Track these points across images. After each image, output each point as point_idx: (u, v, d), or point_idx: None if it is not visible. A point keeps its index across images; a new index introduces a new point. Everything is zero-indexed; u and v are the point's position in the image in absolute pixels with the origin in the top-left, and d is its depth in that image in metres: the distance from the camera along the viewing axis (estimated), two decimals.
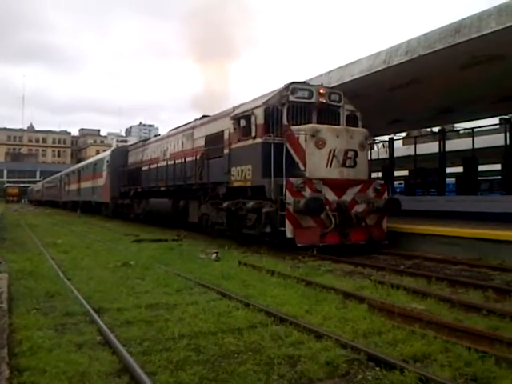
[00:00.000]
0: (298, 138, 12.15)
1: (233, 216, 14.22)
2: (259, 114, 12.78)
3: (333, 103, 13.26)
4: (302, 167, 12.06)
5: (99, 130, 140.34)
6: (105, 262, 10.00)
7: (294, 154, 12.31)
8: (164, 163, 20.73)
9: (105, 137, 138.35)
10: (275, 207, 12.06)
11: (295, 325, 5.25)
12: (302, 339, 4.83)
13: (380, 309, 5.90)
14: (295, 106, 12.92)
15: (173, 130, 21.86)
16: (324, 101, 12.99)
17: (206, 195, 16.13)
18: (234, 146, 14.16)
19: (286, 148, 12.32)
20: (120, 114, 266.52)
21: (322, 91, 12.99)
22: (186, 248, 12.87)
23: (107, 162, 27.95)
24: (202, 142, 17.43)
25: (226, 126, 15.21)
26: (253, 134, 12.95)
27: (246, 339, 4.85)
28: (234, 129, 14.08)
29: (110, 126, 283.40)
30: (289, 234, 11.54)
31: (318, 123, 12.64)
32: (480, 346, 4.53)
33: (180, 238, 15.20)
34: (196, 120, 18.93)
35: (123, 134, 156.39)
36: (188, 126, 19.34)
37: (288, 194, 11.61)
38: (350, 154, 12.07)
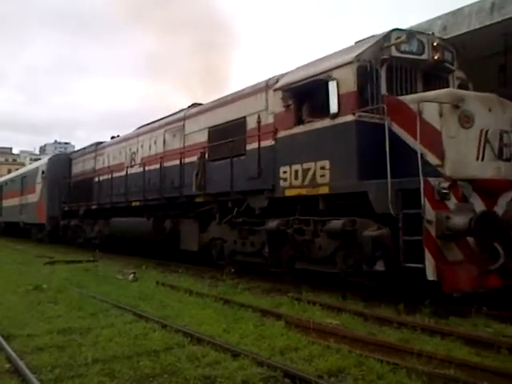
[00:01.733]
0: (419, 112, 7.28)
1: (281, 242, 9.13)
2: (346, 77, 7.83)
3: (446, 64, 8.60)
4: (433, 160, 7.18)
5: (11, 148, 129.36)
6: (15, 285, 9.43)
7: (409, 140, 7.43)
8: (135, 170, 15.15)
9: (17, 155, 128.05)
10: (387, 230, 7.17)
11: (212, 344, 5.19)
12: (219, 359, 4.78)
13: (296, 325, 5.94)
14: (398, 66, 8.12)
15: (143, 126, 16.32)
16: (439, 57, 8.29)
17: (221, 212, 10.84)
18: (283, 133, 9.07)
19: (391, 130, 7.49)
20: (34, 131, 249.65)
21: (436, 43, 8.30)
22: (102, 269, 12.42)
23: (42, 172, 21.65)
24: (201, 137, 12.21)
25: (254, 108, 10.18)
26: (333, 110, 7.95)
27: (162, 361, 4.76)
28: (286, 106, 8.99)
29: (23, 144, 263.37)
30: (431, 275, 6.61)
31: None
32: (391, 359, 4.59)
33: (96, 259, 14.38)
34: (188, 108, 13.63)
35: (37, 152, 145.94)
36: (174, 117, 13.97)
37: (427, 205, 6.73)
38: (506, 138, 7.42)
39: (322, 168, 8.16)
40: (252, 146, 10.33)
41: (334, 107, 7.94)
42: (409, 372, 4.30)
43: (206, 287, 9.23)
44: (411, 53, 8.09)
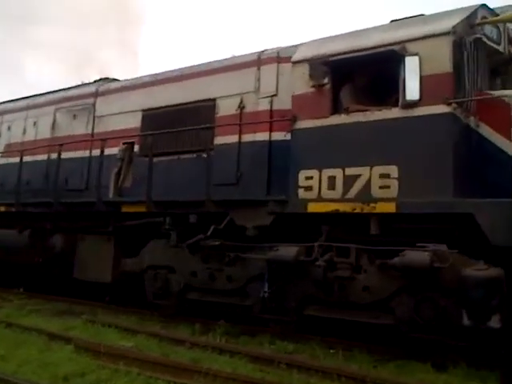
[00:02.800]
0: None
1: (290, 279, 6.43)
2: (437, 53, 5.60)
3: None
4: None
5: None
6: None
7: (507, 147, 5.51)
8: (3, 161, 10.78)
9: None
10: (500, 270, 5.08)
11: None
12: None
13: (86, 349, 5.70)
14: (478, 53, 6.19)
15: (9, 102, 11.93)
16: None
17: (178, 229, 7.59)
18: (309, 124, 6.42)
19: (478, 133, 5.56)
20: None
21: None
22: None
23: None
24: (127, 122, 8.88)
25: (233, 88, 7.55)
26: (411, 96, 5.64)
27: None
28: (317, 86, 6.36)
29: None
30: None
31: None
32: (180, 379, 4.75)
33: None
34: (102, 82, 10.04)
35: None
36: (75, 92, 10.21)
37: None
38: None
39: (384, 176, 5.74)
40: (225, 139, 7.50)
41: (413, 93, 5.64)
42: None
43: None
44: (492, 40, 6.25)
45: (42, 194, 9.48)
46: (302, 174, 6.34)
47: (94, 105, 9.58)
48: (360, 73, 6.31)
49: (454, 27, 5.57)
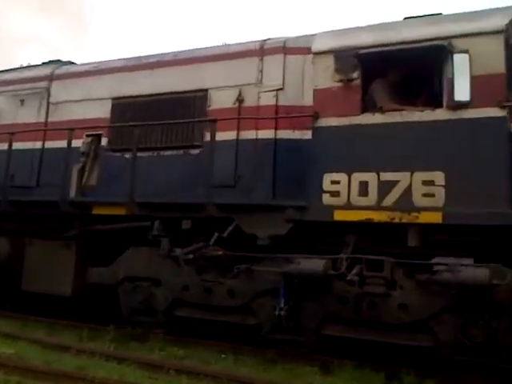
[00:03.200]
0: None
1: (308, 295, 5.73)
2: (490, 51, 5.18)
3: None
4: None
5: None
6: None
7: None
8: None
9: None
10: None
11: None
12: None
13: None
14: None
15: None
16: None
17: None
18: (335, 122, 5.73)
19: None
20: None
21: None
22: None
23: None
24: (91, 111, 7.72)
25: (228, 79, 6.81)
26: (460, 97, 5.17)
27: None
28: (345, 81, 5.70)
29: None
30: None
31: None
32: None
33: None
34: (59, 64, 8.67)
35: None
36: (23, 75, 8.77)
37: None
38: None
39: (428, 183, 5.22)
40: (219, 136, 6.58)
41: (463, 93, 5.17)
42: None
43: None
44: None
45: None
46: (327, 178, 5.64)
47: (48, 89, 8.23)
48: (394, 68, 5.76)
49: (507, 25, 5.18)
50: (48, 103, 8.18)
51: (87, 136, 7.63)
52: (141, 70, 7.56)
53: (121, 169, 7.15)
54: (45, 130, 7.96)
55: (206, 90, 6.90)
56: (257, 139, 6.44)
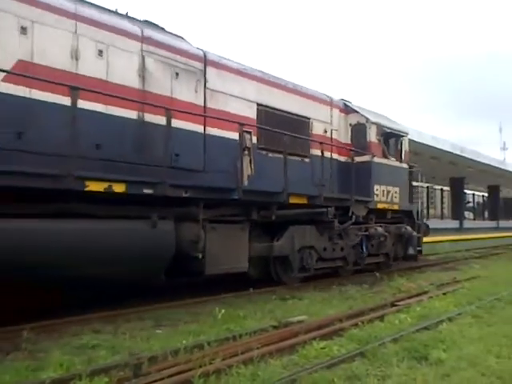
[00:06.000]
0: None
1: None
2: None
3: None
4: None
5: None
6: None
7: None
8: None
9: None
10: None
11: None
12: None
13: None
14: None
15: None
16: None
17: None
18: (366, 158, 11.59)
19: None
20: None
21: None
22: None
23: None
24: (244, 109, 9.13)
25: (320, 115, 11.20)
26: None
27: None
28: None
29: None
30: None
31: None
32: None
33: None
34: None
35: None
36: (178, 44, 8.10)
37: None
38: None
39: (394, 193, 12.34)
40: (314, 152, 10.52)
41: None
42: None
43: None
44: None
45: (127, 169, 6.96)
46: (376, 187, 11.54)
47: (203, 73, 8.30)
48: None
49: None
50: (205, 87, 8.28)
51: (244, 132, 8.72)
52: (269, 86, 9.63)
53: (267, 165, 9.18)
54: (217, 118, 8.23)
55: (309, 119, 10.43)
56: (331, 159, 10.90)
